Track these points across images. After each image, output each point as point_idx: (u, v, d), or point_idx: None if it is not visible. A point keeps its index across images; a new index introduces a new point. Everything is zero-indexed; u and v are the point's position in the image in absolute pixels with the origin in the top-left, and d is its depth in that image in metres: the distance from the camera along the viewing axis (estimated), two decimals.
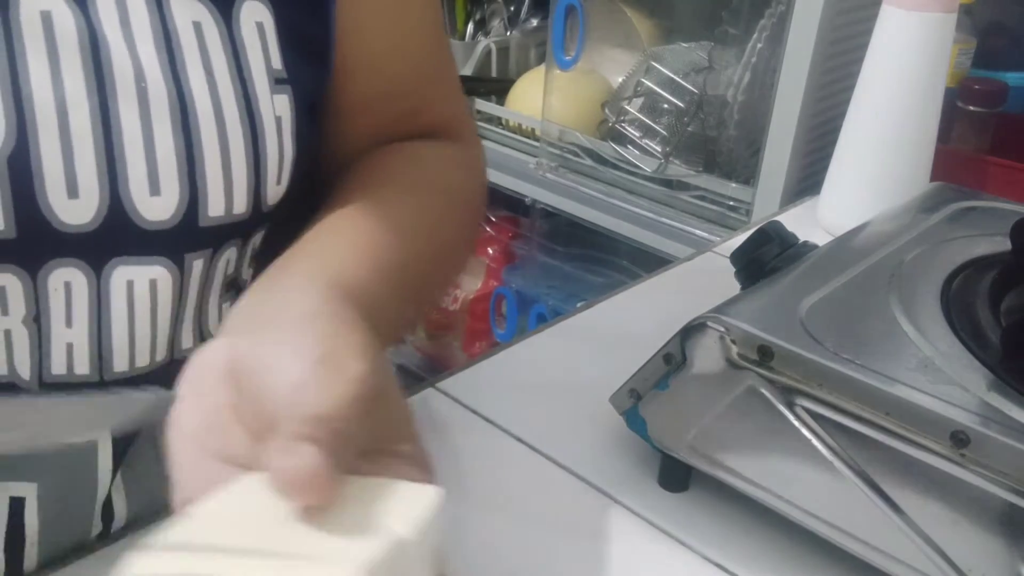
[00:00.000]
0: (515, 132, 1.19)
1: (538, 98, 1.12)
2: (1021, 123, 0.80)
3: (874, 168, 0.70)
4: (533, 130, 1.15)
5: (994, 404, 0.36)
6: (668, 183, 1.01)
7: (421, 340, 1.45)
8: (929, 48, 0.68)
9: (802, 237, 0.52)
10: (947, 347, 0.39)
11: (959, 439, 0.34)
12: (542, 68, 1.12)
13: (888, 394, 0.35)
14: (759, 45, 0.89)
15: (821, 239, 0.51)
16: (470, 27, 1.33)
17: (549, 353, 0.57)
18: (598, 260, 1.20)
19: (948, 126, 0.73)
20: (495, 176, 1.15)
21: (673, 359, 0.42)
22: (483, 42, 1.28)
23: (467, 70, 1.27)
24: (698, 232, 0.97)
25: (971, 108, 0.79)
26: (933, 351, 0.39)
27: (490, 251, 1.34)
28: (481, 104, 1.23)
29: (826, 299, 0.43)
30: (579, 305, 0.68)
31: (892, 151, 0.70)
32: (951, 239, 0.51)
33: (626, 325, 0.60)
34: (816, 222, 0.75)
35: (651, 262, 0.95)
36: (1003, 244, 0.48)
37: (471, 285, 1.36)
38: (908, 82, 0.69)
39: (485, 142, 1.19)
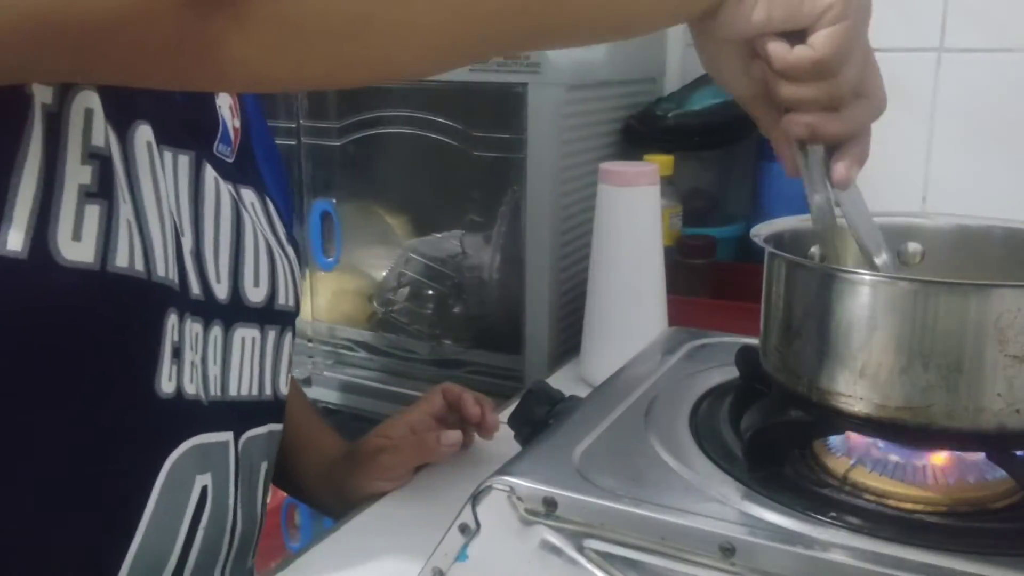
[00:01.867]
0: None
1: (305, 300, 1.14)
2: (730, 269, 0.94)
3: (619, 322, 0.79)
4: (304, 331, 1.16)
5: (749, 512, 0.40)
6: (443, 363, 1.05)
7: None
8: (643, 215, 0.78)
9: (569, 392, 0.56)
10: (702, 468, 0.44)
11: (726, 550, 0.38)
12: (305, 271, 1.15)
13: (659, 521, 0.39)
14: (503, 228, 0.98)
15: (585, 392, 0.56)
16: None
17: (347, 551, 0.56)
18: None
19: (674, 278, 0.84)
20: None
21: (468, 528, 0.43)
22: None
23: None
24: None
25: (690, 261, 0.91)
26: (691, 475, 0.43)
27: None
28: None
29: (595, 444, 0.46)
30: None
31: (631, 305, 0.78)
32: (691, 374, 0.57)
33: (420, 507, 0.60)
34: (581, 378, 0.81)
35: None
36: (734, 372, 0.55)
37: None
38: (632, 245, 0.79)
39: None
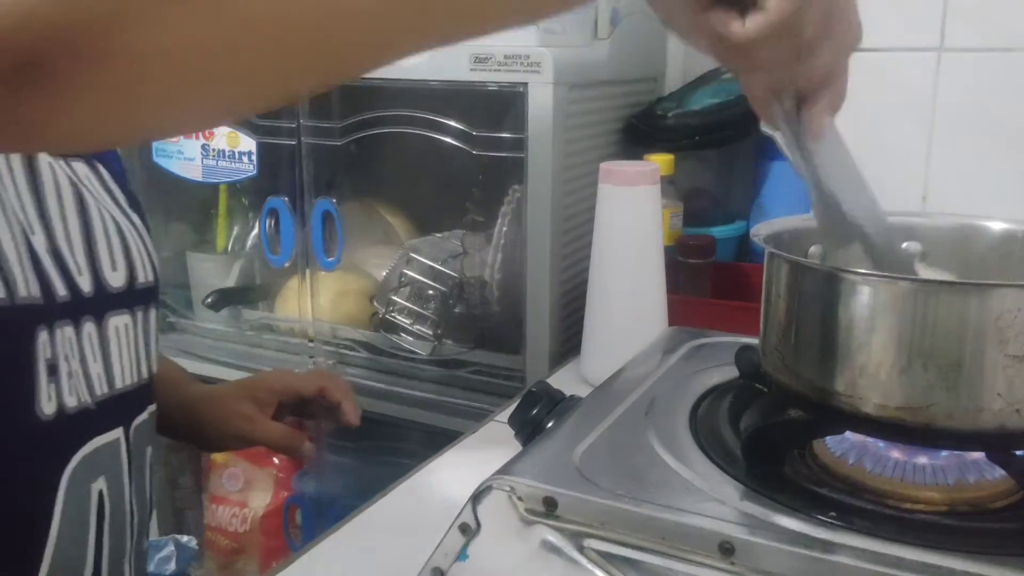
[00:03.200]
0: (288, 335, 1.19)
1: (306, 300, 1.14)
2: (730, 269, 0.94)
3: (619, 321, 0.79)
4: (305, 331, 1.16)
5: (748, 511, 0.40)
6: (444, 363, 1.05)
7: (211, 572, 1.34)
8: (643, 215, 0.78)
9: (570, 392, 0.56)
10: (702, 468, 0.44)
11: (725, 549, 0.38)
12: (307, 272, 1.15)
13: (659, 520, 0.39)
14: (504, 228, 0.98)
15: (586, 392, 0.56)
16: (231, 242, 1.34)
17: (348, 550, 0.56)
18: (389, 449, 1.20)
19: (675, 278, 0.84)
20: None
21: (468, 528, 0.43)
22: (244, 253, 1.29)
23: (230, 281, 1.27)
24: (478, 405, 1.01)
25: (690, 261, 0.91)
26: (691, 474, 0.43)
27: (276, 460, 1.29)
28: (248, 313, 1.22)
29: (595, 444, 0.47)
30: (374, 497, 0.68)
31: (631, 305, 0.78)
32: (691, 373, 0.57)
33: (420, 507, 0.60)
34: (581, 377, 0.82)
35: (441, 441, 0.97)
36: (733, 372, 0.55)
37: (260, 500, 1.29)
38: (632, 245, 0.79)
39: (258, 350, 1.18)
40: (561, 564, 0.41)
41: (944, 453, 0.44)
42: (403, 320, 1.09)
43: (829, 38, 0.40)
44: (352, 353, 1.11)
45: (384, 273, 1.14)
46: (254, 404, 0.74)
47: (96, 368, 0.51)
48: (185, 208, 1.27)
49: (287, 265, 1.15)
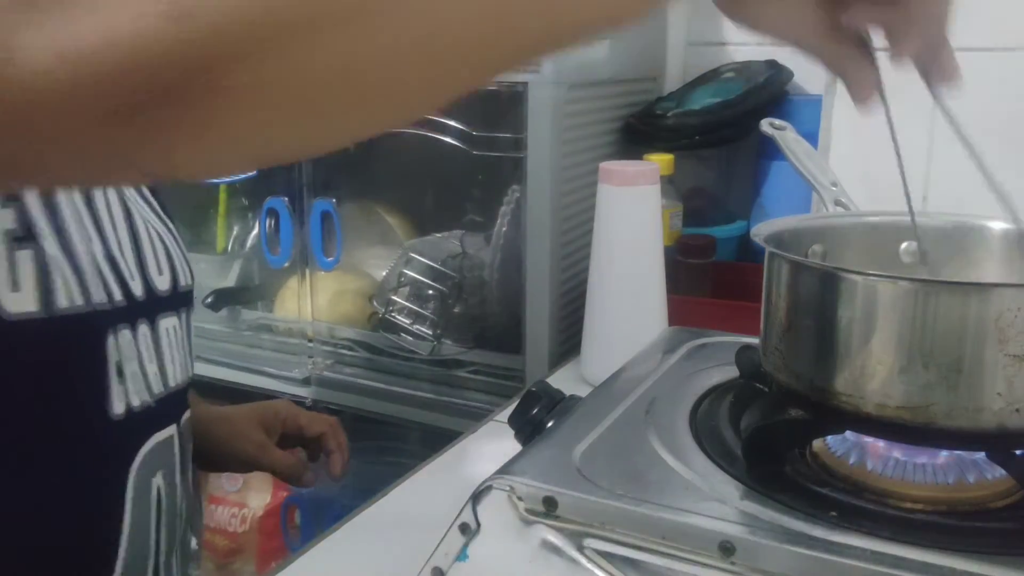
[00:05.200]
0: (286, 335, 1.19)
1: (305, 300, 1.14)
2: (730, 268, 0.94)
3: (619, 321, 0.79)
4: (304, 331, 1.16)
5: (749, 511, 0.40)
6: (443, 363, 1.05)
7: (209, 573, 1.34)
8: (643, 215, 0.78)
9: (570, 392, 0.56)
10: (702, 468, 0.44)
11: (726, 549, 0.38)
12: (306, 272, 1.15)
13: (660, 520, 0.39)
14: (504, 228, 0.98)
15: (586, 392, 0.56)
16: (230, 243, 1.34)
17: (347, 550, 0.56)
18: (388, 449, 1.19)
19: (675, 277, 0.84)
20: (271, 383, 1.13)
21: (468, 528, 0.43)
22: (243, 253, 1.29)
23: (229, 281, 1.27)
24: (478, 404, 1.01)
25: (690, 261, 0.91)
26: (691, 474, 0.43)
27: None
28: (247, 314, 1.22)
29: (595, 444, 0.46)
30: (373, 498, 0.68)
31: (631, 305, 0.78)
32: (691, 373, 0.57)
33: (420, 507, 0.60)
34: (581, 377, 0.81)
35: (440, 440, 0.97)
36: (734, 371, 0.55)
37: (258, 501, 1.29)
38: (632, 245, 0.79)
39: (257, 351, 1.18)
40: (561, 564, 0.41)
41: (944, 453, 0.44)
42: (402, 320, 1.09)
43: None
44: (351, 353, 1.11)
45: (383, 273, 1.14)
46: (264, 431, 0.78)
47: (152, 368, 0.53)
48: (184, 208, 1.27)
49: (286, 265, 1.15)
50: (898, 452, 0.44)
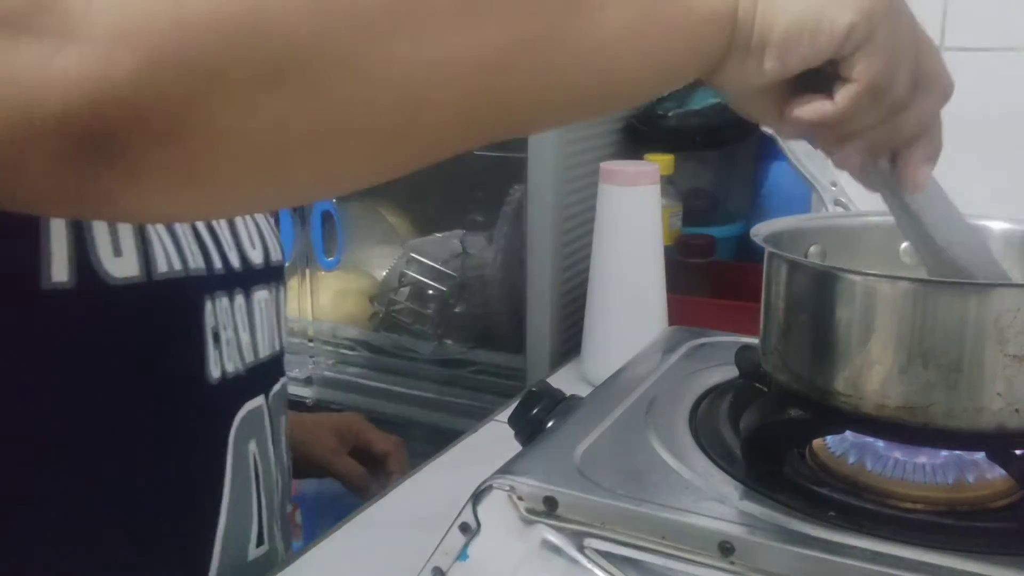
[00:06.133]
0: (288, 335, 1.19)
1: (307, 300, 1.14)
2: (730, 268, 0.94)
3: (619, 321, 0.79)
4: (306, 331, 1.16)
5: (748, 511, 0.40)
6: (444, 363, 1.05)
7: None
8: (643, 215, 0.79)
9: (570, 392, 0.56)
10: (702, 468, 0.44)
11: (725, 548, 0.38)
12: (307, 272, 1.15)
13: (660, 520, 0.39)
14: (505, 228, 0.98)
15: (586, 392, 0.56)
16: None
17: (348, 550, 0.56)
18: None
19: (674, 277, 0.84)
20: None
21: (469, 527, 0.43)
22: None
23: None
24: (479, 404, 1.01)
25: (690, 261, 0.91)
26: (691, 474, 0.43)
27: None
28: None
29: (596, 443, 0.47)
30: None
31: (631, 304, 0.79)
32: (691, 373, 0.57)
33: (420, 507, 0.60)
34: (582, 377, 0.82)
35: (441, 440, 0.97)
36: (733, 371, 0.55)
37: None
38: (632, 245, 0.79)
39: None
40: (561, 564, 0.41)
41: (944, 453, 0.44)
42: (403, 320, 1.09)
43: (919, 89, 0.39)
44: (352, 352, 1.11)
45: (384, 273, 1.14)
46: (338, 441, 0.81)
47: (245, 337, 0.55)
48: None
49: (287, 265, 1.15)
50: (898, 452, 0.44)
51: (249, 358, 0.55)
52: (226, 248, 0.54)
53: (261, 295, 0.57)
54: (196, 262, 0.50)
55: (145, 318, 0.46)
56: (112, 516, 0.47)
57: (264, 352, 0.57)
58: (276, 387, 0.59)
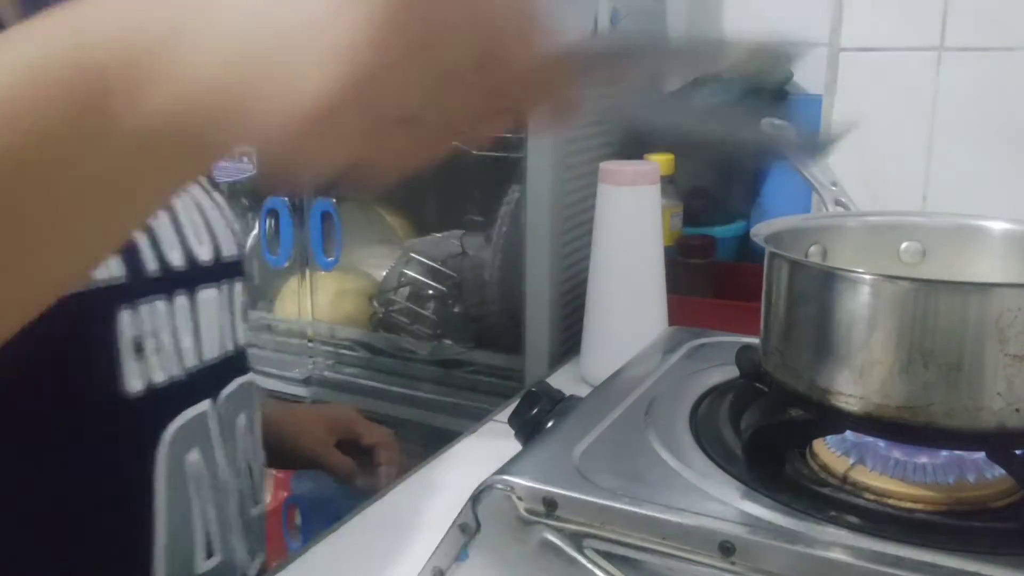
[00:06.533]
0: (286, 335, 1.19)
1: (305, 300, 1.14)
2: (730, 268, 0.94)
3: (619, 321, 0.79)
4: (304, 331, 1.16)
5: (748, 511, 0.40)
6: (443, 363, 1.05)
7: None
8: (643, 215, 0.78)
9: (569, 392, 0.56)
10: (702, 468, 0.44)
11: (726, 549, 0.38)
12: (306, 272, 1.15)
13: (659, 520, 0.39)
14: (504, 228, 0.98)
15: (586, 392, 0.56)
16: None
17: (347, 550, 0.56)
18: None
19: (675, 277, 0.84)
20: (271, 383, 1.13)
21: (468, 527, 0.43)
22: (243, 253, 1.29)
23: None
24: (478, 405, 1.01)
25: (689, 261, 0.91)
26: (691, 474, 0.43)
27: None
28: (247, 314, 1.22)
29: (595, 443, 0.46)
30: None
31: (631, 304, 0.78)
32: (691, 373, 0.57)
33: (420, 507, 0.60)
34: (581, 377, 0.81)
35: (441, 441, 0.97)
36: (734, 371, 0.55)
37: None
38: (632, 245, 0.79)
39: (257, 351, 1.18)
40: (561, 564, 0.41)
41: (944, 453, 0.44)
42: (402, 320, 1.09)
43: (485, 68, 0.30)
44: (351, 353, 1.11)
45: (383, 273, 1.14)
46: (328, 432, 0.80)
47: (187, 341, 0.53)
48: None
49: (286, 265, 1.15)
50: (898, 452, 0.44)
51: (191, 363, 0.53)
52: (165, 248, 0.52)
53: (208, 294, 0.55)
54: (110, 271, 0.47)
55: (44, 337, 0.43)
56: (37, 538, 0.46)
57: (211, 354, 0.55)
58: (229, 388, 0.57)
